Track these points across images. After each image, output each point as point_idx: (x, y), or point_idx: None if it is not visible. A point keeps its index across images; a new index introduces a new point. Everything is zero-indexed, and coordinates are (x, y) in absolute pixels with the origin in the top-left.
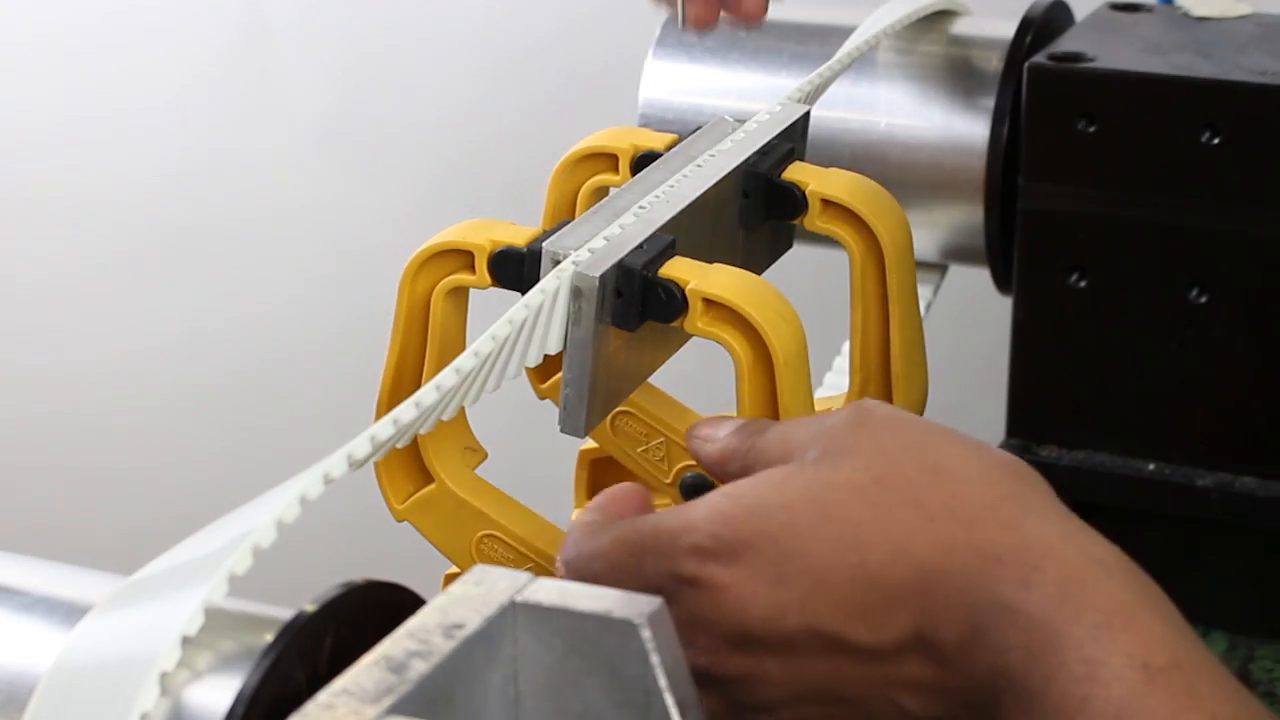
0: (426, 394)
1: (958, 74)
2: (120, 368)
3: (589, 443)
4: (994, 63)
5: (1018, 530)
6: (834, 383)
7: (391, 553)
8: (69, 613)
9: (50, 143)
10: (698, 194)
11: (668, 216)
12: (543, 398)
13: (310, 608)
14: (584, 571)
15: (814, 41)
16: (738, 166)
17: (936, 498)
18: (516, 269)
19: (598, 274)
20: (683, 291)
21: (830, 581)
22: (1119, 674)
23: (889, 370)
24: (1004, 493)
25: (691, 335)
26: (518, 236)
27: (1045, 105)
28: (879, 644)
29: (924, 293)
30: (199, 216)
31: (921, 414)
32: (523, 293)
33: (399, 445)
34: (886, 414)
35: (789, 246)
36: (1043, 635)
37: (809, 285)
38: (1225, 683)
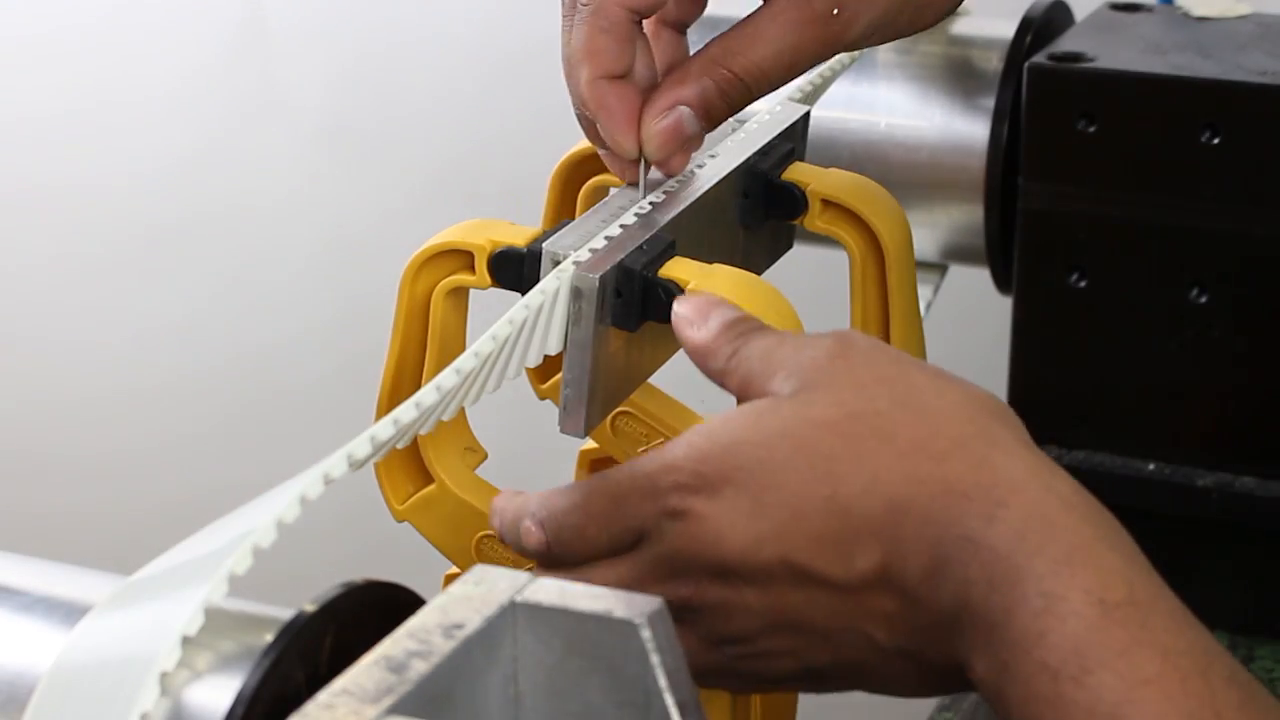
0: (427, 394)
1: (958, 74)
2: (118, 363)
3: (589, 443)
4: (994, 63)
5: (985, 466)
6: None
7: (391, 553)
8: (69, 613)
9: (51, 137)
10: (698, 194)
11: (668, 217)
12: (543, 398)
13: (310, 608)
14: (562, 525)
15: None
16: (738, 167)
17: (908, 433)
18: (516, 269)
19: (598, 274)
20: (682, 292)
21: (804, 513)
22: (1076, 609)
23: None
24: (975, 429)
25: None
26: (518, 237)
27: (1045, 105)
28: (848, 577)
29: (924, 293)
30: (199, 212)
31: None
32: (523, 293)
33: (399, 446)
34: (866, 345)
35: (789, 247)
36: (1004, 569)
37: (809, 285)
38: (1179, 617)
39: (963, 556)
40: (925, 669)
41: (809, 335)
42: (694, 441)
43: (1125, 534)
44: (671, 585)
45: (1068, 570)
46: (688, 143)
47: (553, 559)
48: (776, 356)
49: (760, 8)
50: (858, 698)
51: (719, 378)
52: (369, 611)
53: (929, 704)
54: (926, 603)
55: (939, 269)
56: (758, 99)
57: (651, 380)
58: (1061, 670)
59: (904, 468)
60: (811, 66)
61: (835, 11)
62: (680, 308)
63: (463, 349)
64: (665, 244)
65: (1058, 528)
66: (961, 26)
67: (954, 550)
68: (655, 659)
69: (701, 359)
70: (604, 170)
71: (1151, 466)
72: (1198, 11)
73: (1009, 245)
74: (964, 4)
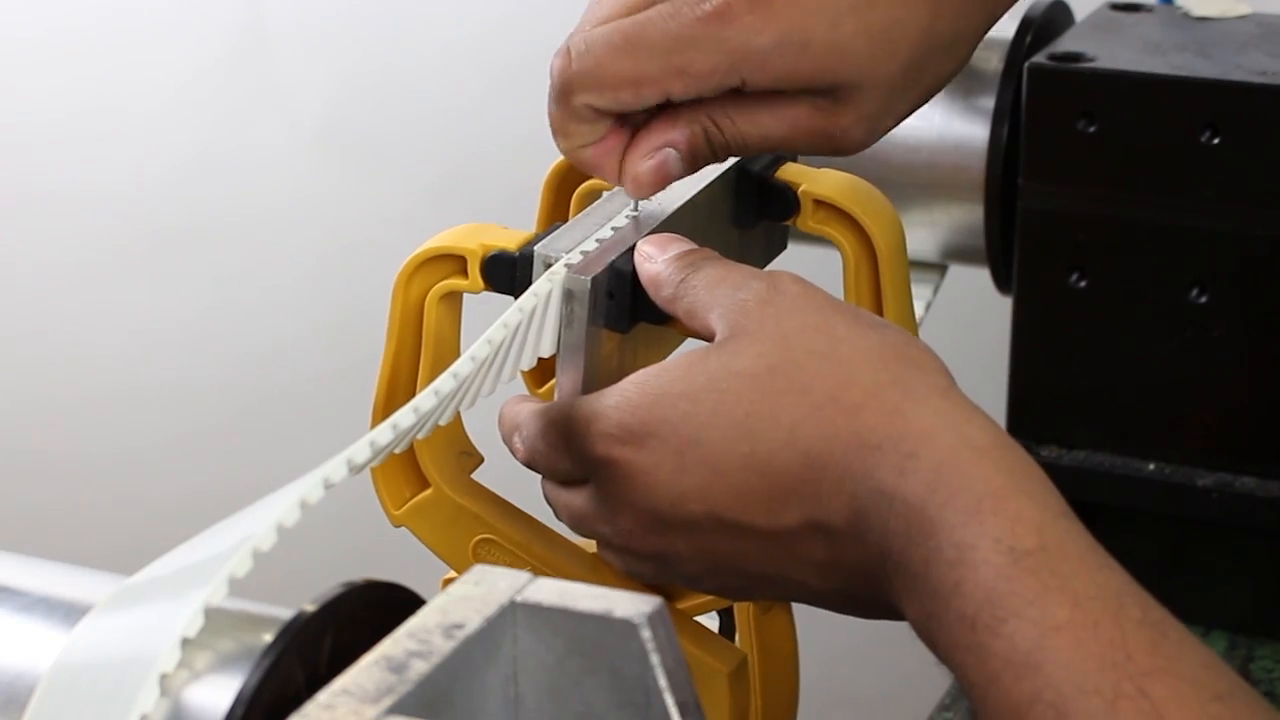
0: (423, 400)
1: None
2: (117, 366)
3: None
4: (994, 63)
5: (898, 416)
6: None
7: (391, 553)
8: (69, 613)
9: (51, 140)
10: (690, 196)
11: (660, 219)
12: None
13: (310, 608)
14: (534, 452)
15: None
16: (730, 168)
17: (824, 385)
18: (509, 273)
19: (589, 276)
20: None
21: (726, 470)
22: (986, 558)
23: None
24: (889, 378)
25: (685, 337)
26: (509, 240)
27: (1045, 105)
28: (775, 528)
29: (924, 293)
30: (199, 216)
31: None
32: (515, 297)
33: (397, 450)
34: (795, 293)
35: (783, 247)
36: (918, 520)
37: None
38: (1090, 561)
39: (880, 509)
40: (864, 606)
41: (749, 273)
42: (626, 390)
43: (1041, 479)
44: (614, 525)
45: (978, 520)
46: (669, 181)
47: (537, 472)
48: (718, 291)
49: (769, 91)
50: (858, 698)
51: (668, 305)
52: (369, 611)
53: (929, 703)
54: (853, 551)
55: (939, 269)
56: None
57: None
58: (978, 619)
59: (819, 422)
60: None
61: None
62: (643, 244)
63: (457, 353)
64: None
65: (968, 476)
66: None
67: (870, 503)
68: (655, 659)
69: (654, 289)
70: None
71: (1151, 466)
72: (1198, 11)
73: (1009, 245)
74: None
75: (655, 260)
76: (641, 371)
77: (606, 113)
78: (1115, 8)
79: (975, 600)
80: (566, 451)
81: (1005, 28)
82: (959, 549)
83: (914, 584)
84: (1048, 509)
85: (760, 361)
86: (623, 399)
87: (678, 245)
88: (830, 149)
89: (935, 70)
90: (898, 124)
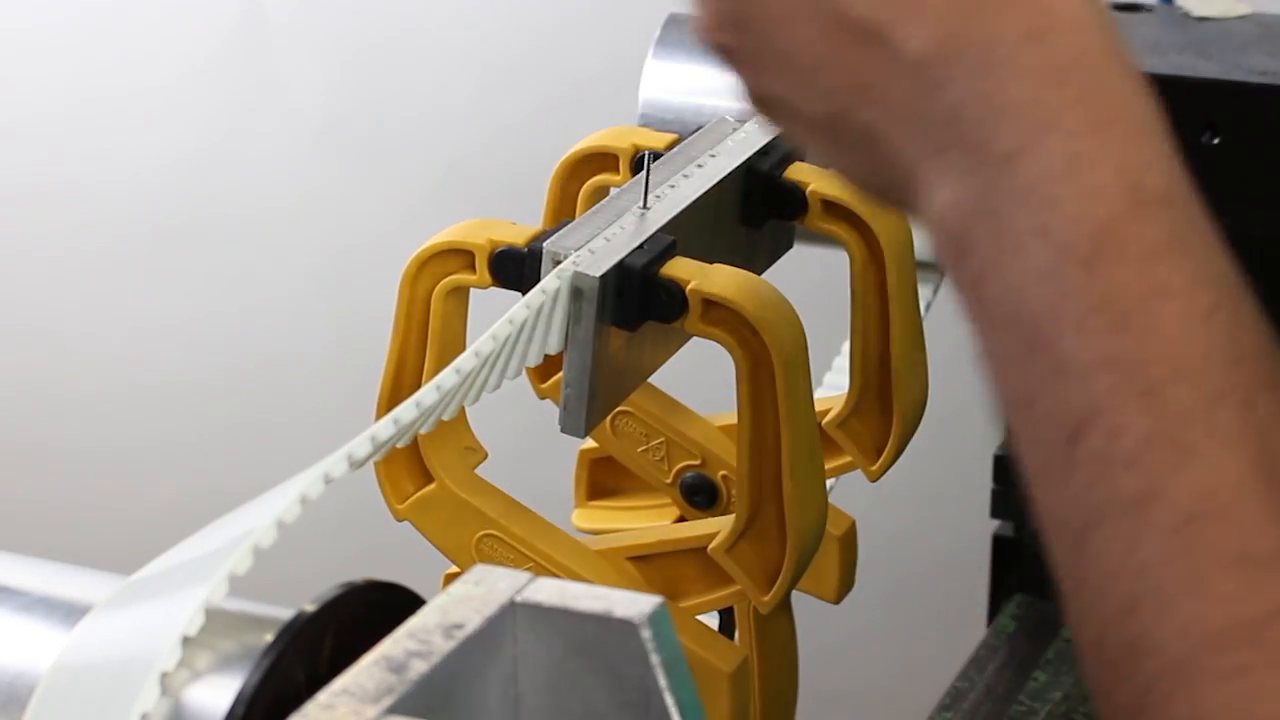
0: (427, 394)
1: None
2: (118, 362)
3: (589, 443)
4: None
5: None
6: (834, 382)
7: (391, 553)
8: (69, 613)
9: (49, 136)
10: (698, 194)
11: (668, 217)
12: (543, 397)
13: (310, 608)
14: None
15: None
16: (739, 166)
17: None
18: (517, 269)
19: (598, 274)
20: (683, 292)
21: None
22: (1104, 184)
23: (889, 370)
24: None
25: (692, 335)
26: (518, 236)
27: None
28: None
29: (924, 293)
30: (198, 211)
31: (921, 415)
32: (523, 293)
33: (399, 445)
34: None
35: (789, 246)
36: (1029, 105)
37: (809, 285)
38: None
39: (977, 65)
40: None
41: None
42: None
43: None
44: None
45: (1104, 136)
46: None
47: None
48: None
49: None
50: (857, 697)
51: None
52: (369, 611)
53: (929, 703)
54: (910, 86)
55: (939, 269)
56: None
57: (651, 380)
58: (1071, 251)
59: None
60: None
61: None
62: None
63: (463, 348)
64: (666, 243)
65: (1105, 86)
66: None
67: (973, 51)
68: (655, 659)
69: None
70: (604, 170)
71: None
72: (1198, 11)
73: None
74: None
75: None
76: None
77: None
78: (1115, 8)
79: (1075, 229)
80: None
81: None
82: (1073, 161)
83: (980, 171)
84: (1177, 161)
85: None
86: None
87: None
88: None
89: None
90: None
